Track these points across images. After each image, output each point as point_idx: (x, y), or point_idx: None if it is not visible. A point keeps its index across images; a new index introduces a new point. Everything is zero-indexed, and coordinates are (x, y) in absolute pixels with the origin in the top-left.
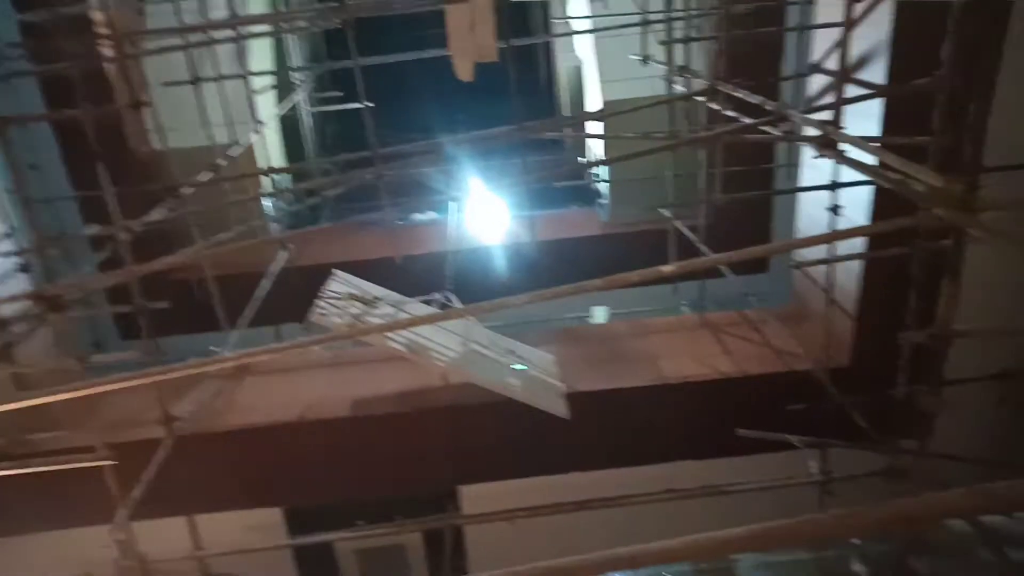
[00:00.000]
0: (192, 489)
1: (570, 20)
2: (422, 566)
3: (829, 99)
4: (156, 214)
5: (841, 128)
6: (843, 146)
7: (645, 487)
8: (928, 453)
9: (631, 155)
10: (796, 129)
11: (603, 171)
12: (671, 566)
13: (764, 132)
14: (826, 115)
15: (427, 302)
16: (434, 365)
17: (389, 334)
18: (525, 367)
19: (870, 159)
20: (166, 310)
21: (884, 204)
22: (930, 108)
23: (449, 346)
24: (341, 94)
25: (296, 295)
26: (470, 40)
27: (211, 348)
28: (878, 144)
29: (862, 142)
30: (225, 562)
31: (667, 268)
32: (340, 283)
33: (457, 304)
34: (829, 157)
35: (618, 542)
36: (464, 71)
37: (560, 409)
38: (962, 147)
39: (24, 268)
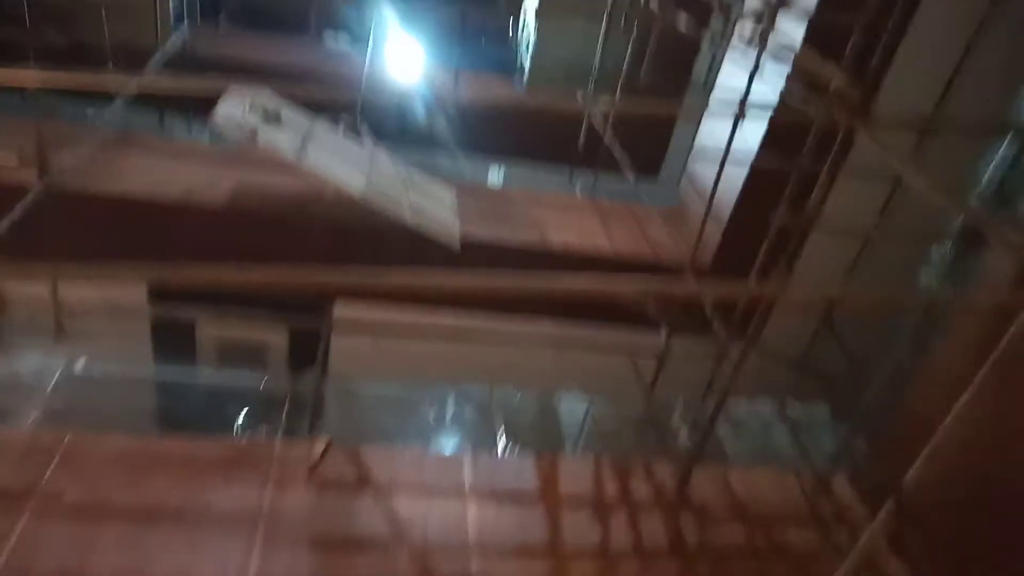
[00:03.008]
0: (57, 250)
1: None
2: (282, 369)
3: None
4: None
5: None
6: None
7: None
8: (753, 345)
9: None
10: (729, 25)
11: (529, 41)
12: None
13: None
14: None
15: (334, 125)
16: (330, 182)
17: (286, 144)
18: (423, 195)
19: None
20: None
21: (779, 125)
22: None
23: (351, 168)
24: None
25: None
26: None
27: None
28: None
29: (788, 41)
30: (82, 329)
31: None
32: (246, 91)
33: (366, 132)
34: (759, 47)
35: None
36: None
37: (452, 240)
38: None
39: None
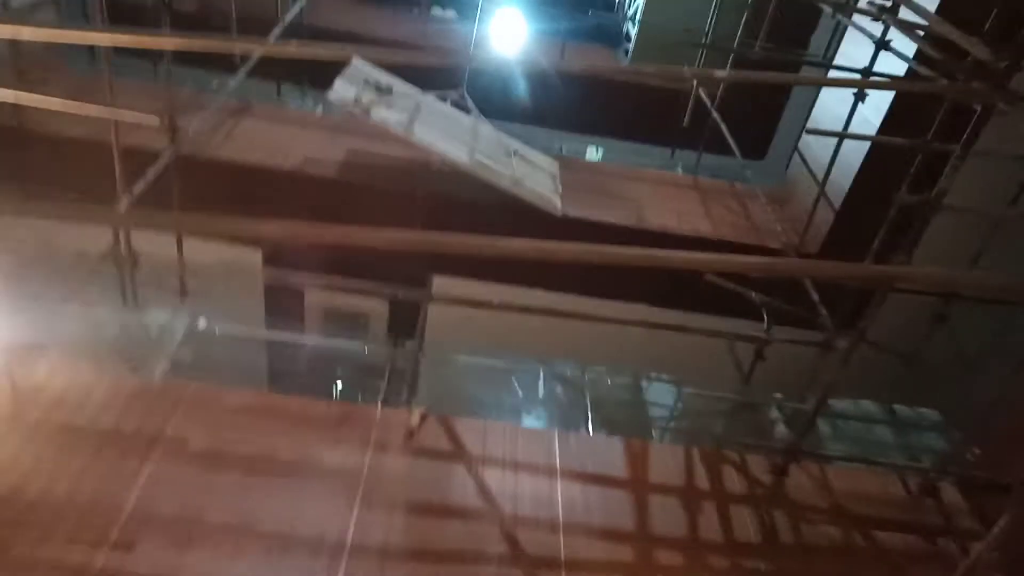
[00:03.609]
0: (182, 211)
1: None
2: (381, 338)
3: None
4: None
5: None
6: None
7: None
8: (863, 338)
9: None
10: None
11: (636, 11)
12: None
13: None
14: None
15: (442, 98)
16: (437, 153)
17: (396, 118)
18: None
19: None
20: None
21: (904, 102)
22: (984, 16)
23: (457, 140)
24: None
25: (303, 57)
26: None
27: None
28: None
29: (923, 8)
30: (202, 284)
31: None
32: (359, 67)
33: (471, 105)
34: (888, 23)
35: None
36: None
37: (554, 206)
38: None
39: None
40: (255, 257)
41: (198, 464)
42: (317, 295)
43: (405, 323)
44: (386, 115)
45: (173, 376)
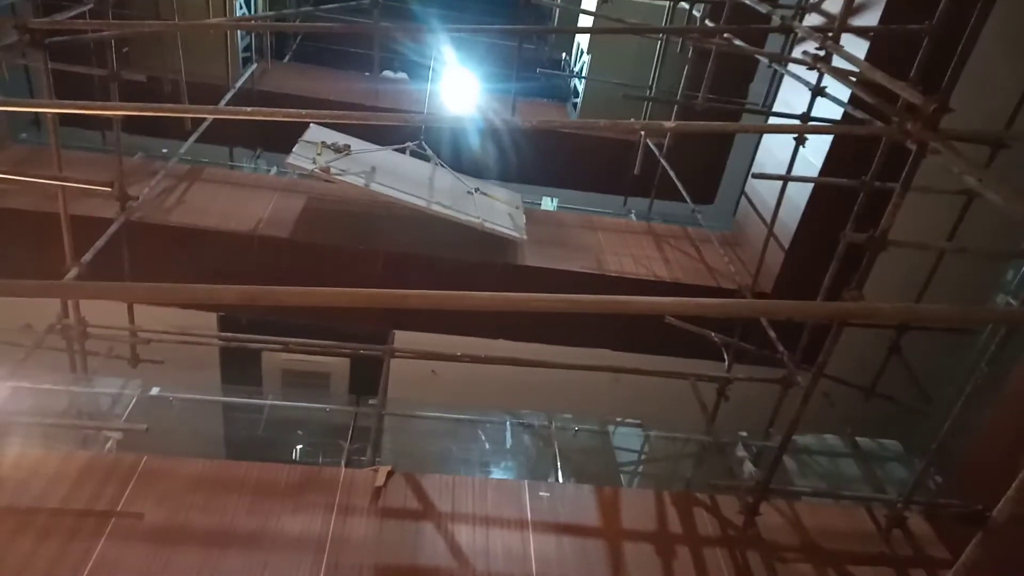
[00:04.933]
0: (134, 278)
1: None
2: (342, 397)
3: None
4: None
5: (840, 45)
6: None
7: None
8: (822, 373)
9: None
10: (788, 46)
11: (584, 69)
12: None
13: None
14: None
15: (400, 150)
16: (398, 200)
17: (355, 174)
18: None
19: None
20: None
21: (842, 144)
22: (909, 60)
23: (418, 185)
24: None
25: (254, 121)
26: None
27: (163, 150)
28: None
29: (855, 57)
30: (155, 351)
31: (668, 124)
32: (315, 131)
33: (430, 152)
34: (822, 71)
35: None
36: None
37: (518, 235)
38: (940, 83)
39: None
40: (210, 320)
41: (154, 540)
42: (275, 356)
43: (367, 381)
44: (346, 173)
45: (125, 448)
